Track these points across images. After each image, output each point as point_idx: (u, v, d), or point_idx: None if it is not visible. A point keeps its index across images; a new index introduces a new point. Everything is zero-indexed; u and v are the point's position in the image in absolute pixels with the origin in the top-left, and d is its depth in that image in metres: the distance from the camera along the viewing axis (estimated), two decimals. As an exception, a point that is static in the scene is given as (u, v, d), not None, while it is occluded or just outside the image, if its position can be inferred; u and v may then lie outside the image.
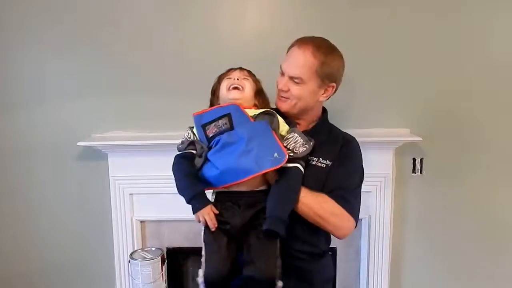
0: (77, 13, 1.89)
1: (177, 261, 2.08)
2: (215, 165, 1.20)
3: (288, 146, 1.25)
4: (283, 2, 1.90)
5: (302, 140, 1.26)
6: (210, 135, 1.24)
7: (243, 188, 1.24)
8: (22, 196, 2.05)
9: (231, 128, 1.22)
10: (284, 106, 1.36)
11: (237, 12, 1.90)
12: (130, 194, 1.97)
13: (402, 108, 1.95)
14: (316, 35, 1.38)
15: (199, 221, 1.23)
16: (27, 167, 2.02)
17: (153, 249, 1.92)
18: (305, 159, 1.28)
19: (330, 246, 2.00)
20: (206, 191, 1.24)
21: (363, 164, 1.44)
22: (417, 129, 1.94)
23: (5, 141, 2.00)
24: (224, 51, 1.86)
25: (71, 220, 2.06)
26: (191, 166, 1.24)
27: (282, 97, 1.36)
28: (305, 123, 1.43)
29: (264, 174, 1.22)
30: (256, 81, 1.34)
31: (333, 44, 1.38)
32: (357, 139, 1.84)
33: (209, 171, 1.22)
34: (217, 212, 1.21)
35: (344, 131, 1.48)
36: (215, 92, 1.34)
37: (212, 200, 1.27)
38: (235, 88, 1.28)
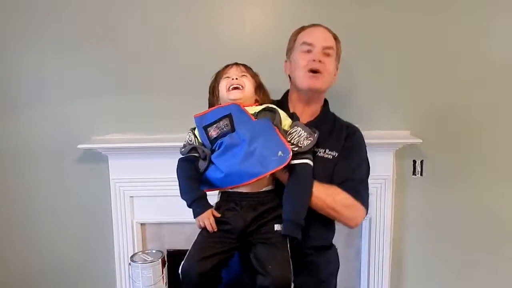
0: (77, 15, 1.89)
1: (177, 263, 2.06)
2: (219, 169, 1.19)
3: (292, 141, 1.23)
4: (284, 2, 1.91)
5: (305, 133, 1.24)
6: (212, 137, 1.22)
7: (248, 189, 1.22)
8: (22, 199, 2.05)
9: (232, 129, 1.21)
10: (318, 83, 1.34)
11: (237, 13, 1.91)
12: (131, 196, 1.97)
13: (403, 110, 1.96)
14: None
15: (200, 226, 1.22)
16: (27, 169, 2.02)
17: (154, 251, 1.91)
18: (311, 152, 1.27)
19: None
20: (212, 191, 1.24)
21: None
22: (418, 131, 1.94)
23: (5, 143, 2.00)
24: (225, 52, 1.86)
25: (71, 222, 2.06)
26: (193, 170, 1.23)
27: (313, 72, 1.32)
28: (310, 112, 1.41)
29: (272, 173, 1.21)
30: (254, 76, 1.32)
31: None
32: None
33: (214, 174, 1.21)
34: (218, 215, 1.20)
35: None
36: (213, 91, 1.31)
37: (218, 199, 1.27)
38: (235, 88, 1.26)
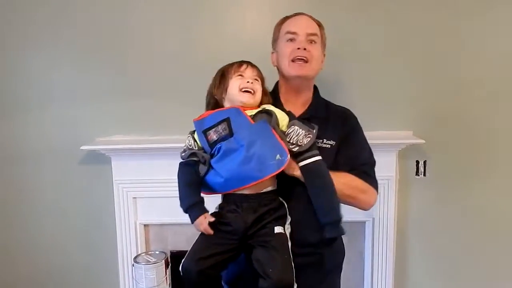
0: (81, 20, 1.90)
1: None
2: (219, 173, 1.20)
3: (291, 141, 1.23)
4: (284, 5, 1.91)
5: (303, 131, 1.24)
6: (211, 141, 1.22)
7: (248, 191, 1.23)
8: (26, 200, 2.05)
9: (231, 133, 1.20)
10: (305, 70, 1.33)
11: (238, 15, 1.91)
12: (134, 197, 1.98)
13: (405, 111, 1.95)
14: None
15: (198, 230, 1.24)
16: (31, 170, 2.03)
17: (157, 252, 1.92)
18: (316, 147, 1.26)
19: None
20: (213, 195, 1.26)
21: None
22: (420, 132, 1.93)
23: (10, 145, 2.01)
24: (226, 54, 1.84)
25: (75, 223, 2.07)
26: (192, 175, 1.24)
27: (299, 60, 1.32)
28: (302, 101, 1.41)
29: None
30: (263, 80, 1.30)
31: None
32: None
33: (214, 178, 1.22)
34: (212, 219, 1.20)
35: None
36: (221, 80, 1.26)
37: (221, 201, 1.29)
38: (247, 91, 1.24)
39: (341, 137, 1.37)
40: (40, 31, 1.91)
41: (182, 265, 1.22)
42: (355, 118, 1.44)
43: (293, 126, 1.24)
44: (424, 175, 2.01)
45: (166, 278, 1.82)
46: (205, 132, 1.23)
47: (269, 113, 1.23)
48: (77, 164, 2.01)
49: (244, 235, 1.22)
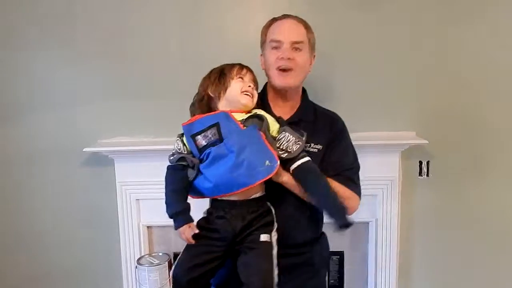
0: (83, 21, 1.91)
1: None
2: (208, 179, 1.20)
3: (281, 147, 1.24)
4: (287, 6, 1.91)
5: (294, 138, 1.24)
6: (200, 146, 1.22)
7: (236, 197, 1.23)
8: (29, 202, 2.06)
9: (220, 138, 1.20)
10: (289, 81, 1.33)
11: (241, 17, 1.92)
12: (137, 199, 1.98)
13: (408, 111, 1.95)
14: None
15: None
16: (33, 172, 2.03)
17: (160, 254, 1.91)
18: (303, 153, 1.27)
19: (337, 250, 2.02)
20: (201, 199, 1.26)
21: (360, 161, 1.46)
22: (423, 132, 1.93)
23: (12, 147, 2.01)
24: (229, 55, 1.85)
25: (78, 225, 2.07)
26: (180, 180, 1.24)
27: (284, 70, 1.32)
28: (289, 105, 1.41)
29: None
30: (258, 86, 1.32)
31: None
32: (364, 143, 1.85)
33: (202, 184, 1.22)
34: (196, 231, 1.20)
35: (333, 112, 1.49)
36: (221, 79, 1.27)
37: (209, 206, 1.30)
38: (247, 94, 1.25)
39: (328, 142, 1.37)
40: (42, 33, 1.91)
41: (173, 272, 1.25)
42: (342, 123, 1.44)
43: (284, 133, 1.25)
44: (427, 175, 2.00)
45: (170, 280, 1.82)
46: (193, 137, 1.23)
47: (260, 117, 1.23)
48: (80, 166, 2.02)
49: (232, 241, 1.23)
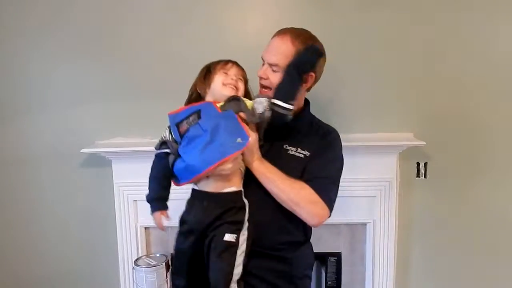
0: (81, 21, 1.90)
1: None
2: (182, 159, 1.23)
3: (256, 114, 1.25)
4: (286, 7, 1.91)
5: (266, 102, 1.25)
6: (183, 132, 1.26)
7: (210, 189, 1.27)
8: (26, 203, 2.05)
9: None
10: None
11: (240, 17, 1.92)
12: (134, 200, 1.97)
13: (406, 112, 1.95)
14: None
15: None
16: (31, 174, 2.02)
17: (158, 255, 1.92)
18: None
19: (335, 251, 2.02)
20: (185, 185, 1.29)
21: (343, 155, 1.43)
22: (421, 133, 1.93)
23: (9, 149, 2.01)
24: (228, 56, 1.85)
25: (75, 227, 2.07)
26: (161, 168, 1.29)
27: (263, 86, 1.37)
28: None
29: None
30: (246, 82, 1.35)
31: (313, 35, 1.38)
32: (361, 144, 1.85)
33: (179, 165, 1.25)
34: (169, 219, 1.28)
35: (329, 124, 1.48)
36: (206, 76, 1.31)
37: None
38: (231, 87, 1.28)
39: (315, 150, 1.37)
40: (39, 33, 1.91)
41: (172, 282, 1.34)
42: (335, 137, 1.42)
43: (257, 99, 1.27)
44: (425, 176, 2.01)
45: (167, 281, 1.82)
46: (178, 125, 1.27)
47: (237, 99, 1.26)
48: (78, 167, 2.01)
49: (202, 233, 1.26)
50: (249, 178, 1.32)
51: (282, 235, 1.36)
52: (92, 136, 1.97)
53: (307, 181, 1.31)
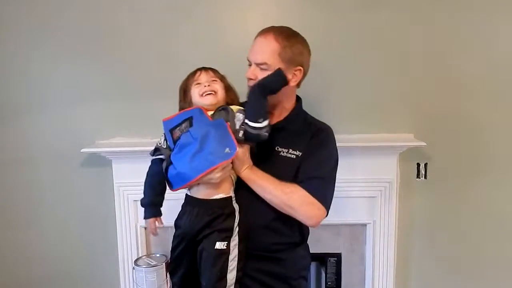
0: (81, 21, 1.90)
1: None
2: (174, 166, 1.27)
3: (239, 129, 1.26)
4: (286, 7, 1.91)
5: (242, 116, 1.27)
6: (176, 139, 1.29)
7: (200, 196, 1.30)
8: (26, 203, 2.05)
9: None
10: None
11: (240, 17, 1.92)
12: (135, 200, 1.97)
13: (406, 113, 1.95)
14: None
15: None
16: (31, 174, 2.02)
17: (158, 255, 1.92)
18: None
19: (334, 251, 2.02)
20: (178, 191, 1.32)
21: (337, 153, 1.41)
22: (421, 134, 1.93)
23: (9, 149, 2.00)
24: (228, 56, 1.86)
25: (75, 226, 2.07)
26: (154, 175, 1.34)
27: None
28: (278, 113, 1.41)
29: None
30: (223, 79, 1.36)
31: (295, 31, 1.37)
32: (361, 145, 1.85)
33: (172, 172, 1.28)
34: (161, 224, 1.34)
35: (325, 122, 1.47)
36: (185, 97, 1.35)
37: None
38: (208, 94, 1.30)
39: (306, 149, 1.36)
40: (39, 33, 1.91)
41: (170, 275, 1.39)
42: (327, 135, 1.41)
43: (237, 114, 1.28)
44: (425, 177, 2.00)
45: (167, 281, 1.81)
46: (171, 131, 1.30)
47: (225, 109, 1.29)
48: (78, 167, 2.01)
49: (193, 239, 1.29)
50: (241, 182, 1.33)
51: (276, 237, 1.37)
52: (92, 136, 1.96)
53: (301, 182, 1.31)
